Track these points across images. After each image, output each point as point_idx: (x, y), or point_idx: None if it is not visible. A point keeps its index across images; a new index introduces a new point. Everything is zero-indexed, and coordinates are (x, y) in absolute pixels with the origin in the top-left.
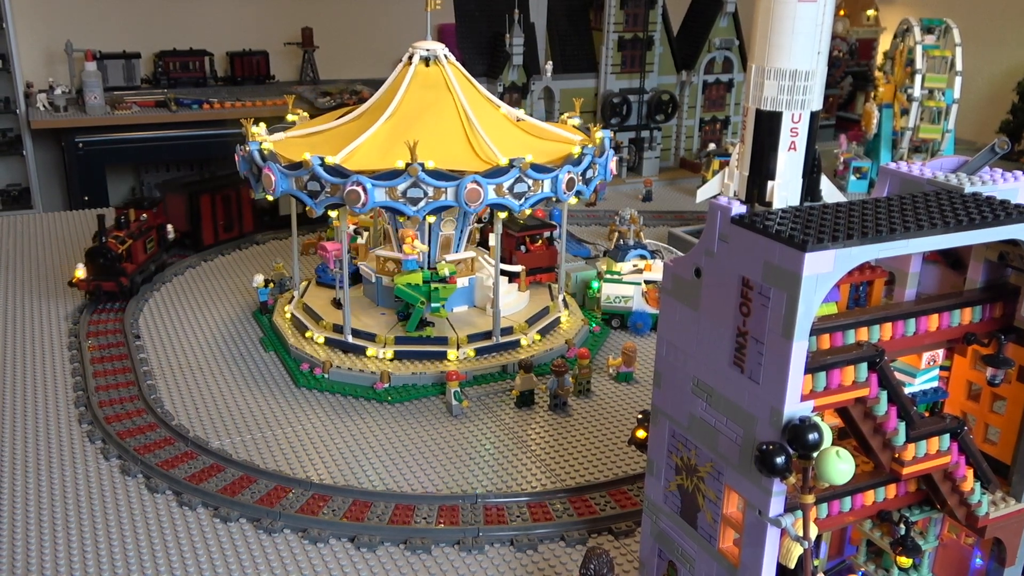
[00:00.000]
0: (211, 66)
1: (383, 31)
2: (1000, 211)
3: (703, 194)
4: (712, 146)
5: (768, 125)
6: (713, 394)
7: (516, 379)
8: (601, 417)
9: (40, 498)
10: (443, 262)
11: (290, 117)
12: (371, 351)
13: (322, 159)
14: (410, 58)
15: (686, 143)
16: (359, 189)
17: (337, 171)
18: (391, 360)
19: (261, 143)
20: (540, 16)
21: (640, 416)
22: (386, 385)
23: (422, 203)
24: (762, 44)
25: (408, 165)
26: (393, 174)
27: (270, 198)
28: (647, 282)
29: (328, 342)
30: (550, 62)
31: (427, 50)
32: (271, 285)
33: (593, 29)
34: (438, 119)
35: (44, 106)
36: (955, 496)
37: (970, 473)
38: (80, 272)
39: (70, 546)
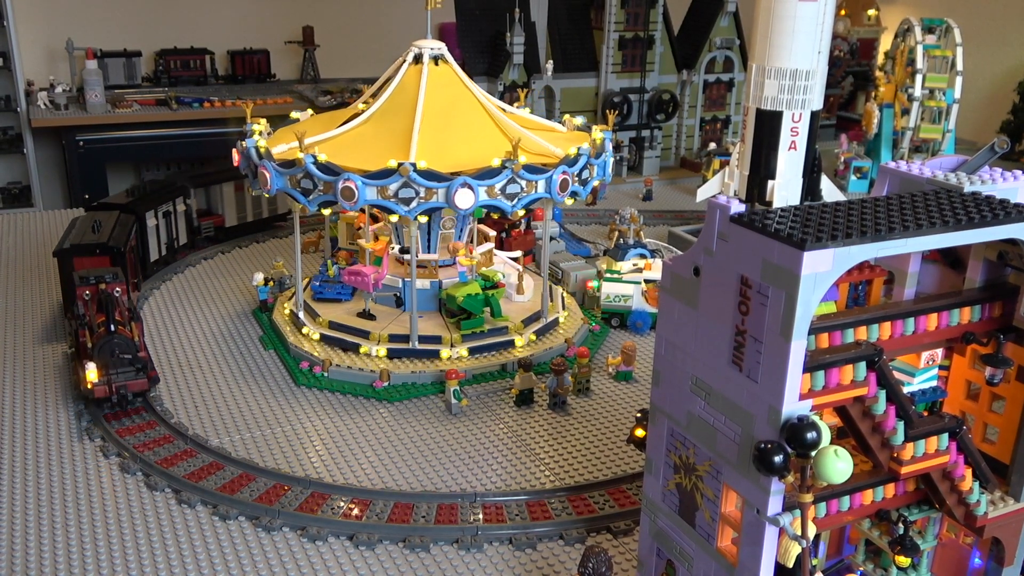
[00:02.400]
0: (212, 64)
1: (384, 30)
2: (999, 210)
3: (703, 193)
4: (712, 145)
5: (768, 125)
6: (712, 393)
7: (515, 378)
8: (600, 416)
9: (39, 496)
10: (488, 268)
11: (255, 127)
12: (445, 353)
13: (414, 164)
14: (416, 58)
15: (686, 142)
16: (468, 191)
17: (432, 175)
18: (468, 357)
19: (316, 155)
20: (541, 15)
21: (639, 415)
22: (385, 383)
23: (516, 199)
24: (763, 43)
25: (507, 162)
26: (492, 172)
27: (319, 211)
28: (647, 281)
29: (391, 354)
30: (551, 61)
31: (433, 48)
32: (271, 283)
33: (594, 28)
34: (465, 117)
35: (45, 104)
36: (954, 495)
37: (969, 472)
38: (92, 374)
39: (69, 544)
